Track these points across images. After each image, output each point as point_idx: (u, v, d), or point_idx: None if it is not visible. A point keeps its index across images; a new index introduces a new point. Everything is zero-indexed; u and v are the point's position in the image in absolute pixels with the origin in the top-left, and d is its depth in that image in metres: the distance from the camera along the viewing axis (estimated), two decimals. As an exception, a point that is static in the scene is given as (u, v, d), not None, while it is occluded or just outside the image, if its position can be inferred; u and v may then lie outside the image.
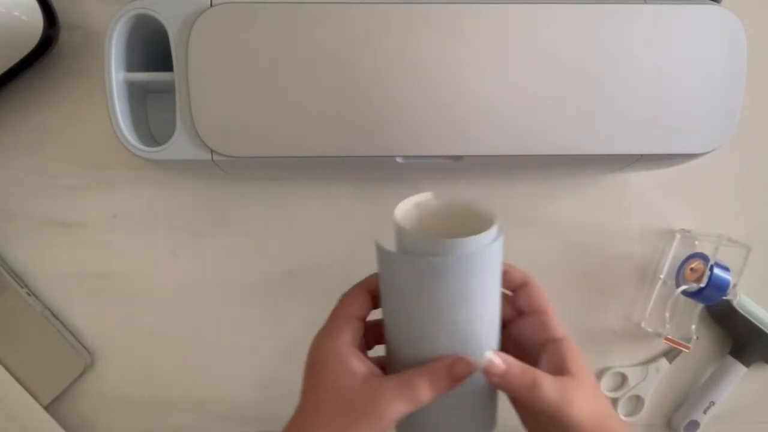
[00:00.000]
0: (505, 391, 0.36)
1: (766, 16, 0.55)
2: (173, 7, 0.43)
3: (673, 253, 0.59)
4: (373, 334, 0.40)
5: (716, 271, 0.54)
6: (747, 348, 0.59)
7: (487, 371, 0.35)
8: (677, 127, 0.46)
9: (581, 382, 0.36)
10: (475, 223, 0.35)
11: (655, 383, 0.60)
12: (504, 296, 0.39)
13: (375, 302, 0.39)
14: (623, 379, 0.60)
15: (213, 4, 0.43)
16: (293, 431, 0.36)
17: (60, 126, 0.53)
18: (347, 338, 0.36)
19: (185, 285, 0.56)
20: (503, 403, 0.39)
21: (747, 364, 0.59)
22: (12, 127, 0.53)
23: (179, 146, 0.44)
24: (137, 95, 0.49)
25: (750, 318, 0.58)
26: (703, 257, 0.55)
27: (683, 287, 0.55)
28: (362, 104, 0.44)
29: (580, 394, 0.35)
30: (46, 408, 0.54)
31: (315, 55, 0.43)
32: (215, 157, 0.44)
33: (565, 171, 0.56)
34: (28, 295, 0.54)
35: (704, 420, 0.60)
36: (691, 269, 0.56)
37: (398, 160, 0.46)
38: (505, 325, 0.40)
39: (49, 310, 0.55)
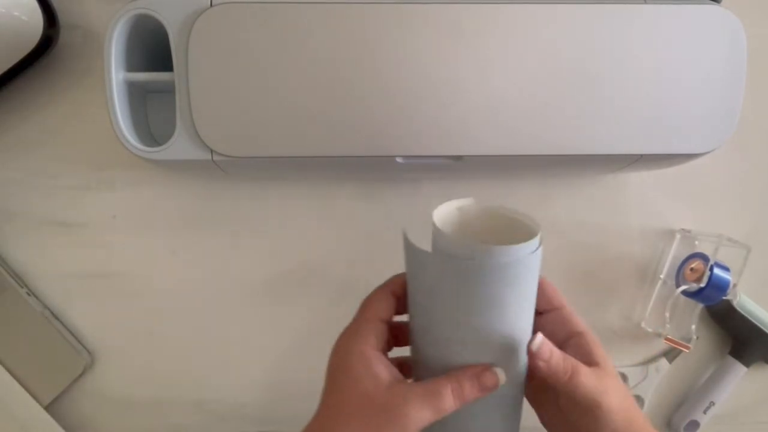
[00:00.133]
0: (547, 376, 0.35)
1: (766, 16, 0.55)
2: (173, 7, 0.43)
3: (673, 253, 0.59)
4: (393, 335, 0.39)
5: (716, 271, 0.54)
6: (747, 348, 0.59)
7: (536, 355, 0.34)
8: (677, 127, 0.46)
9: (609, 373, 0.36)
10: (514, 231, 0.35)
11: (655, 383, 0.60)
12: None
13: (399, 305, 0.39)
14: (623, 379, 0.60)
15: (213, 4, 0.43)
16: (315, 430, 0.35)
17: (60, 126, 0.53)
18: (371, 341, 0.36)
19: (185, 285, 0.56)
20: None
21: (747, 364, 0.59)
22: (12, 126, 0.53)
23: (179, 146, 0.44)
24: (137, 95, 0.49)
25: (750, 318, 0.58)
26: (703, 257, 0.55)
27: (683, 287, 0.55)
28: (362, 104, 0.44)
29: (612, 385, 0.36)
30: (46, 408, 0.54)
31: (315, 55, 0.43)
32: (215, 157, 0.44)
33: (565, 171, 0.56)
34: (28, 295, 0.54)
35: (704, 420, 0.60)
36: (691, 269, 0.56)
37: (398, 160, 0.46)
38: None
39: (49, 310, 0.55)
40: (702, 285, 0.54)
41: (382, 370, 0.35)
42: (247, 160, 0.45)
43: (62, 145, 0.53)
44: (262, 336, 0.57)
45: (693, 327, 0.58)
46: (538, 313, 0.40)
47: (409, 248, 0.36)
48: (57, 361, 0.54)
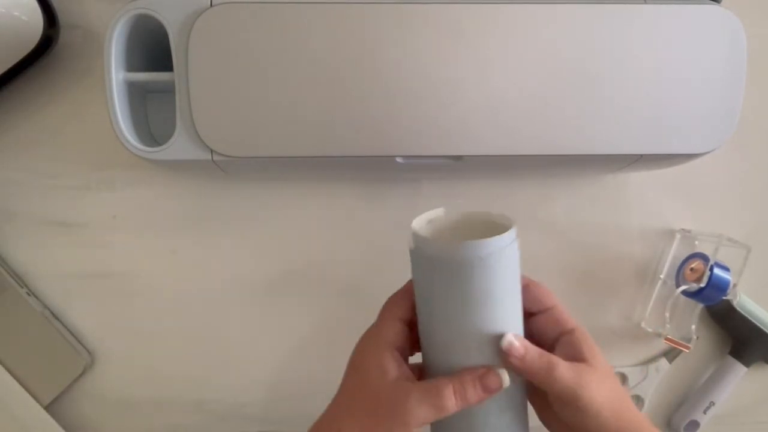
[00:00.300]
0: (524, 374, 0.36)
1: (766, 16, 0.55)
2: (173, 7, 0.43)
3: (673, 253, 0.59)
4: (414, 340, 0.40)
5: (716, 271, 0.54)
6: (747, 348, 0.59)
7: (507, 354, 0.35)
8: (677, 127, 0.46)
9: (597, 369, 0.36)
10: (490, 231, 0.35)
11: (655, 383, 0.60)
12: None
13: None
14: (623, 379, 0.60)
15: (213, 4, 0.43)
16: (325, 421, 0.37)
17: (60, 126, 0.53)
18: (388, 339, 0.37)
19: (185, 285, 0.56)
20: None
21: (747, 364, 0.59)
22: (12, 126, 0.53)
23: (179, 146, 0.44)
24: (137, 95, 0.49)
25: (750, 318, 0.58)
26: (703, 257, 0.55)
27: (683, 287, 0.55)
28: (362, 104, 0.44)
29: (596, 379, 0.36)
30: (46, 408, 0.54)
31: (315, 55, 0.43)
32: (215, 157, 0.44)
33: (566, 171, 0.56)
34: (28, 295, 0.54)
35: (704, 420, 0.60)
36: (691, 269, 0.56)
37: (398, 160, 0.46)
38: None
39: (49, 310, 0.55)
40: (702, 285, 0.54)
41: (392, 367, 0.36)
42: (247, 160, 0.45)
43: (62, 145, 0.53)
44: (262, 336, 0.57)
45: (693, 327, 0.58)
46: (531, 315, 0.40)
47: (411, 254, 0.37)
48: (57, 361, 0.54)
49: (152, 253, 0.55)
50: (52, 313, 0.55)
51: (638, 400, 0.61)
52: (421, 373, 0.39)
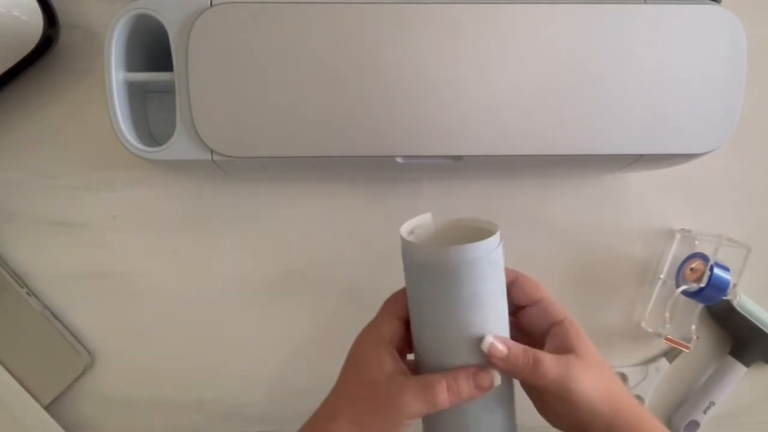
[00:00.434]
0: (509, 374, 0.37)
1: (766, 16, 0.55)
2: (173, 7, 0.43)
3: (673, 253, 0.59)
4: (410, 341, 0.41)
5: (716, 271, 0.54)
6: (747, 348, 0.59)
7: (489, 355, 0.36)
8: (677, 127, 0.46)
9: (585, 359, 0.37)
10: (475, 236, 0.36)
11: (655, 383, 0.60)
12: None
13: None
14: (623, 379, 0.60)
15: (213, 4, 0.43)
16: (322, 411, 0.38)
17: (60, 126, 0.53)
18: (386, 335, 0.38)
19: (185, 285, 0.56)
20: (527, 405, 0.40)
21: (747, 364, 0.59)
22: (12, 126, 0.53)
23: (179, 146, 0.44)
24: (137, 95, 0.49)
25: (750, 318, 0.58)
26: (703, 257, 0.55)
27: (683, 287, 0.55)
28: (362, 104, 0.44)
29: (584, 370, 0.36)
30: (46, 408, 0.54)
31: (315, 55, 0.43)
32: (215, 157, 0.44)
33: (565, 171, 0.56)
34: (28, 295, 0.54)
35: (704, 420, 0.60)
36: (691, 269, 0.56)
37: (398, 160, 0.46)
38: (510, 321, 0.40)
39: (49, 310, 0.55)
40: (702, 285, 0.54)
41: (389, 361, 0.37)
42: (247, 160, 0.45)
43: (62, 145, 0.53)
44: (263, 336, 0.57)
45: (693, 327, 0.58)
46: (520, 308, 0.41)
47: (403, 259, 0.38)
48: (57, 361, 0.54)
49: (152, 253, 0.55)
50: (52, 313, 0.55)
51: (638, 400, 0.61)
52: (415, 370, 0.40)
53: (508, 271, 0.40)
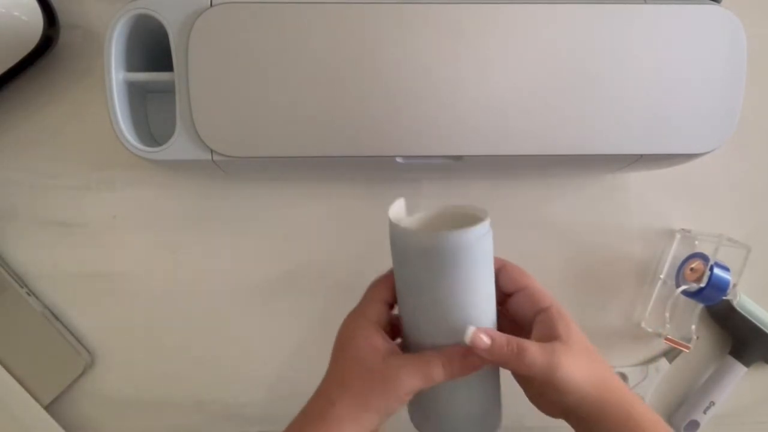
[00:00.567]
0: (495, 363, 0.37)
1: (766, 16, 0.55)
2: (173, 7, 0.43)
3: (673, 253, 0.59)
4: (394, 326, 0.42)
5: (716, 271, 0.54)
6: (747, 348, 0.59)
7: (474, 346, 0.36)
8: (677, 127, 0.46)
9: (571, 345, 0.37)
10: (465, 223, 0.36)
11: (655, 383, 0.60)
12: None
13: None
14: (623, 379, 0.60)
15: (213, 4, 0.43)
16: (319, 396, 0.38)
17: (60, 126, 0.53)
18: (373, 317, 0.39)
19: (185, 285, 0.56)
20: (525, 402, 0.40)
21: (747, 364, 0.59)
22: (12, 126, 0.53)
23: (179, 146, 0.44)
24: (137, 95, 0.49)
25: (750, 318, 0.58)
26: (703, 257, 0.55)
27: (683, 287, 0.55)
28: (362, 104, 0.44)
29: (570, 356, 0.36)
30: (46, 408, 0.54)
31: (315, 55, 0.43)
32: (215, 157, 0.44)
33: (565, 171, 0.56)
34: (28, 295, 0.54)
35: (704, 420, 0.60)
36: (691, 269, 0.56)
37: (398, 160, 0.46)
38: (498, 309, 0.41)
39: (49, 310, 0.55)
40: (702, 285, 0.54)
41: (380, 342, 0.38)
42: (247, 160, 0.45)
43: (62, 145, 0.53)
44: (263, 336, 0.57)
45: (693, 327, 0.58)
46: (508, 296, 0.41)
47: (392, 244, 0.38)
48: (57, 361, 0.54)
49: (152, 253, 0.55)
50: (52, 313, 0.55)
51: (638, 400, 0.61)
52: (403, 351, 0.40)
53: (496, 259, 0.41)
